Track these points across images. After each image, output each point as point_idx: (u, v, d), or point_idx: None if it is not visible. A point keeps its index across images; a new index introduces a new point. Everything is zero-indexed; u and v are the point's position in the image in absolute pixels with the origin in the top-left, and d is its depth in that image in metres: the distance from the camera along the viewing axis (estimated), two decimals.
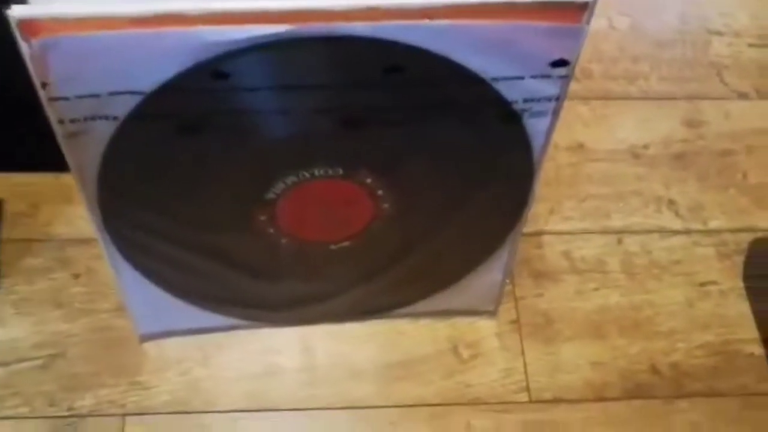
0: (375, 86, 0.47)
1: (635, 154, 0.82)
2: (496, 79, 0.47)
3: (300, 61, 0.45)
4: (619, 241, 0.77)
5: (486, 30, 0.45)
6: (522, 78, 0.47)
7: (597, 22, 0.85)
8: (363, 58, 0.45)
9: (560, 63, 0.47)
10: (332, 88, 0.47)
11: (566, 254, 0.76)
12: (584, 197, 0.79)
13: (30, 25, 0.41)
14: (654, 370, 0.70)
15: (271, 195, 0.54)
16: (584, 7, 0.43)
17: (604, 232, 0.77)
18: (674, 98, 0.86)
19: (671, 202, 0.79)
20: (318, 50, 0.44)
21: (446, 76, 0.46)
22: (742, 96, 0.86)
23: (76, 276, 0.71)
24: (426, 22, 0.44)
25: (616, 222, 0.78)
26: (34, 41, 0.42)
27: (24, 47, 0.42)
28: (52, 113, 0.46)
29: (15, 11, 0.41)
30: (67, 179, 0.51)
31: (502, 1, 0.43)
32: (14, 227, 0.74)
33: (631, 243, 0.77)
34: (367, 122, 0.49)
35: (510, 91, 0.48)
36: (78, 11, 0.41)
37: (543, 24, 0.45)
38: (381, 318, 0.71)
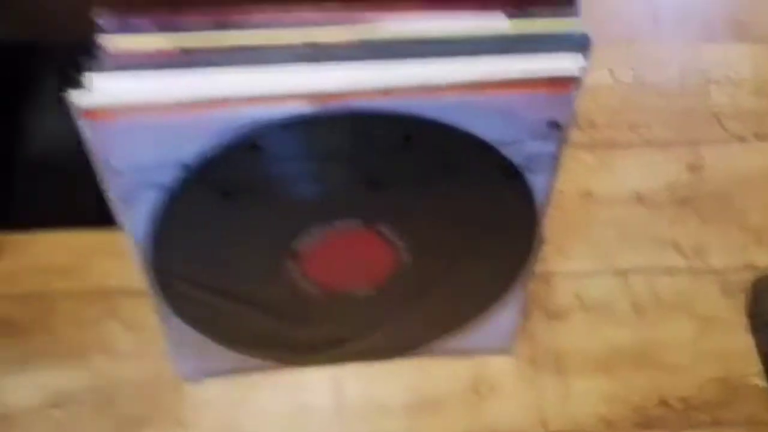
0: (392, 154, 0.53)
1: (640, 198, 0.87)
2: (499, 143, 0.53)
3: (325, 135, 0.51)
4: (626, 281, 0.81)
5: (489, 101, 0.51)
6: (523, 141, 0.53)
7: (600, 76, 0.91)
8: (381, 130, 0.51)
9: (555, 125, 0.53)
10: (355, 157, 0.53)
11: (576, 293, 0.80)
12: (592, 240, 0.83)
13: (92, 112, 0.48)
14: (664, 403, 0.74)
15: (298, 246, 0.60)
16: (572, 80, 0.49)
17: (612, 272, 0.82)
18: (676, 144, 0.90)
19: (675, 243, 0.84)
20: (341, 125, 0.50)
21: (455, 143, 0.52)
22: (741, 140, 0.91)
23: (124, 323, 0.77)
24: (436, 96, 0.50)
25: (623, 263, 0.82)
26: (95, 124, 0.48)
27: (85, 129, 0.48)
28: (106, 183, 0.52)
29: (80, 101, 0.47)
30: (116, 235, 0.57)
31: (503, 79, 0.49)
32: (65, 280, 0.80)
33: (638, 282, 0.81)
34: (386, 184, 0.55)
35: (512, 152, 0.54)
36: (135, 99, 0.48)
37: (538, 94, 0.50)
38: (405, 357, 0.76)
